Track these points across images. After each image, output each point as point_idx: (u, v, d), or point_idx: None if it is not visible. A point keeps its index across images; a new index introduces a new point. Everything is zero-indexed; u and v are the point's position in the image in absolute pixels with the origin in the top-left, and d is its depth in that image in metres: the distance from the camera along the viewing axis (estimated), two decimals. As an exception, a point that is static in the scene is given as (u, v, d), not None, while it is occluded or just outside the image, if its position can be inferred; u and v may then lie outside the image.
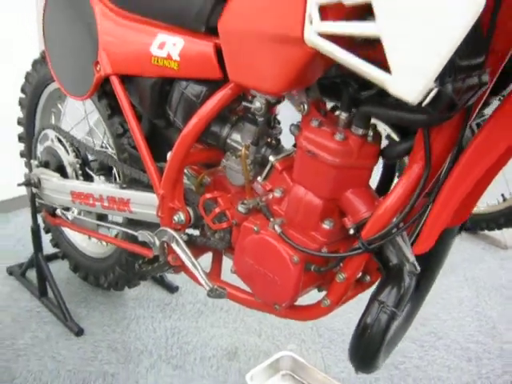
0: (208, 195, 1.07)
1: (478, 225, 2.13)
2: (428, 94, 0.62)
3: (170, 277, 1.78)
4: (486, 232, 2.15)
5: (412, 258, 0.86)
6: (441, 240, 0.90)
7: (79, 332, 1.53)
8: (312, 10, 0.73)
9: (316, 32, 0.73)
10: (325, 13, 0.73)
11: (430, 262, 0.98)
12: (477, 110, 0.76)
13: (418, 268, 0.87)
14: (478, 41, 0.67)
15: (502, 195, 2.10)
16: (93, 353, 1.47)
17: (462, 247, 2.06)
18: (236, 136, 1.04)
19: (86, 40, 1.17)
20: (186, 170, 1.16)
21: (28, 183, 1.52)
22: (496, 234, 2.15)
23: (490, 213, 2.11)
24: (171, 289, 1.75)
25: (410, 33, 0.60)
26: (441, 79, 0.62)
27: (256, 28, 0.85)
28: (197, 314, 1.65)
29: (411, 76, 0.61)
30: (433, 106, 0.65)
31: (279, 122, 1.08)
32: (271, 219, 0.96)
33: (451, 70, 0.62)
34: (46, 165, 1.54)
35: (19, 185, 1.52)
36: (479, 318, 1.70)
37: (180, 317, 1.63)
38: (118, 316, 1.63)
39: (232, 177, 1.05)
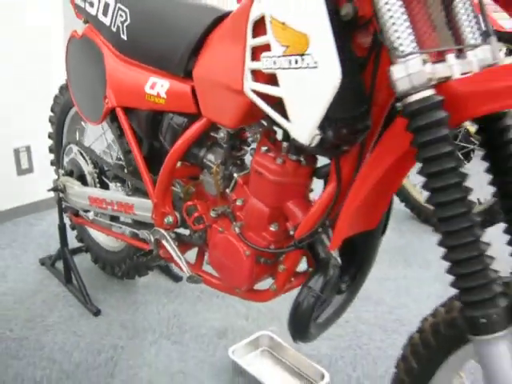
0: (189, 202, 1.36)
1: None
2: (314, 138, 0.89)
3: (176, 269, 2.08)
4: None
5: (335, 254, 1.13)
6: (364, 241, 1.17)
7: (97, 313, 1.85)
8: (247, 73, 1.01)
9: (249, 88, 1.01)
10: (255, 75, 1.00)
11: (362, 260, 1.24)
12: (372, 142, 1.02)
13: (339, 261, 1.13)
14: (361, 97, 0.93)
15: (478, 199, 2.32)
16: (107, 330, 1.78)
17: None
18: (210, 157, 1.32)
19: (97, 78, 1.48)
20: (177, 181, 1.45)
21: (55, 189, 1.84)
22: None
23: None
24: (176, 278, 2.05)
25: (298, 98, 0.87)
26: (322, 129, 0.89)
27: (216, 78, 1.13)
28: (196, 300, 1.94)
29: (301, 126, 0.89)
30: (321, 146, 0.92)
31: (249, 145, 1.35)
32: (233, 222, 1.24)
33: (331, 122, 0.89)
34: (70, 173, 1.85)
35: (48, 190, 1.85)
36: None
37: (182, 302, 1.93)
38: (130, 300, 1.94)
39: (208, 188, 1.34)
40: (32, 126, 2.34)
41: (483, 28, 0.89)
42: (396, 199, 2.55)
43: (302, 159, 1.13)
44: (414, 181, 2.53)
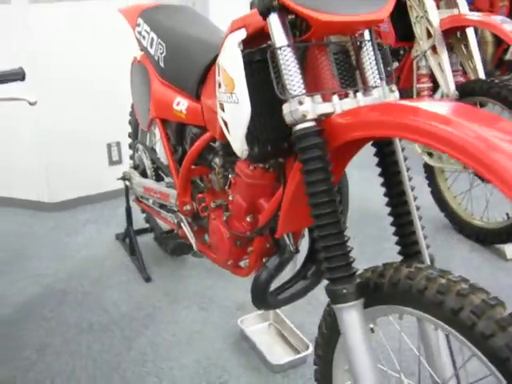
0: (200, 195, 1.74)
1: (487, 237, 2.50)
2: (243, 152, 1.22)
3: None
4: (496, 245, 2.51)
5: (289, 242, 1.44)
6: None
7: (148, 279, 2.30)
8: (217, 101, 1.36)
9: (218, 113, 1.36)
10: (220, 104, 1.35)
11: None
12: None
13: (293, 249, 1.44)
14: (279, 125, 1.21)
15: (507, 214, 2.44)
16: (152, 293, 2.22)
17: (468, 255, 2.46)
18: (216, 160, 1.68)
19: (146, 94, 1.91)
20: (198, 178, 1.83)
21: (123, 178, 2.32)
22: (502, 246, 2.49)
23: (497, 228, 2.46)
24: (217, 260, 2.45)
25: (232, 123, 1.22)
26: (251, 145, 1.22)
27: (208, 103, 1.49)
28: (229, 278, 2.31)
29: (235, 142, 1.23)
30: (255, 158, 1.25)
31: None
32: (225, 212, 1.60)
33: (257, 141, 1.21)
34: (137, 167, 2.32)
35: (117, 179, 2.33)
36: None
37: (217, 279, 2.32)
38: (177, 273, 2.36)
39: (214, 185, 1.71)
40: (122, 126, 2.86)
41: (381, 73, 1.16)
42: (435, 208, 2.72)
43: (267, 167, 1.45)
44: (456, 192, 2.68)
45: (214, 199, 1.67)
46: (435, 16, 2.43)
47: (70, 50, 2.76)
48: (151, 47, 1.84)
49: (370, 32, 1.17)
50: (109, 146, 2.95)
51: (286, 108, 1.09)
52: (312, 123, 1.08)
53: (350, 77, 1.17)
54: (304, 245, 1.49)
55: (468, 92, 2.39)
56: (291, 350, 1.89)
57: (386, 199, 1.21)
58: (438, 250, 2.51)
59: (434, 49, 2.47)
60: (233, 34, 1.24)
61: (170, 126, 1.85)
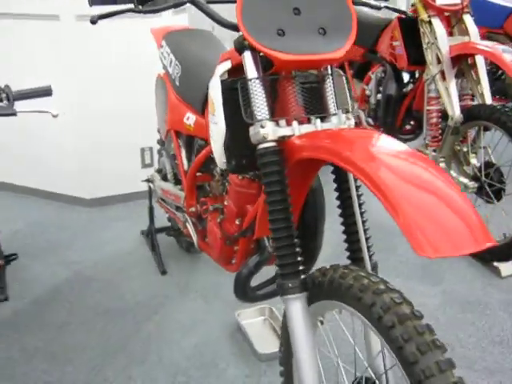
0: (202, 198, 1.97)
1: (485, 255, 2.62)
2: (223, 165, 1.45)
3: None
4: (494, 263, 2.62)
5: (268, 244, 1.65)
6: (308, 236, 1.67)
7: (163, 272, 2.56)
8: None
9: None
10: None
11: (306, 252, 1.74)
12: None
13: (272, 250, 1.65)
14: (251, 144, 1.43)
15: (504, 234, 2.55)
16: (165, 284, 2.48)
17: (463, 270, 2.59)
18: (216, 170, 1.91)
19: (164, 107, 2.16)
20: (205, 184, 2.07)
21: (148, 180, 2.59)
22: (499, 264, 2.60)
23: (494, 246, 2.58)
24: (229, 259, 2.68)
25: (213, 140, 1.44)
26: (228, 159, 1.44)
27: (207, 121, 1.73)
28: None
29: (216, 156, 1.45)
30: (230, 170, 1.47)
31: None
32: (220, 215, 1.82)
33: (232, 156, 1.43)
34: (160, 171, 2.58)
35: (142, 181, 2.61)
36: (429, 319, 2.27)
37: (226, 276, 2.52)
38: (190, 268, 2.61)
39: (214, 191, 1.94)
40: (154, 133, 3.14)
41: (339, 103, 1.36)
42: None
43: (253, 177, 1.67)
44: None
45: (213, 203, 1.90)
46: (444, 43, 2.57)
47: (108, 64, 3.06)
48: (170, 67, 2.10)
49: (331, 68, 1.37)
50: (142, 150, 3.24)
51: (251, 130, 1.30)
52: (272, 143, 1.28)
53: (313, 105, 1.38)
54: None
55: (472, 116, 2.52)
56: (279, 343, 2.09)
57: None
58: (435, 262, 2.65)
59: (442, 74, 2.61)
60: (221, 64, 1.48)
61: (182, 137, 2.10)
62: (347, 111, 1.38)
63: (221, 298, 2.38)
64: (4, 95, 1.49)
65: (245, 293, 1.70)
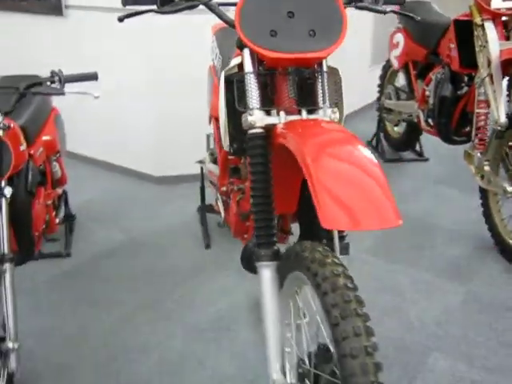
0: (231, 179, 2.19)
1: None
2: (229, 148, 1.65)
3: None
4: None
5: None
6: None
7: (207, 246, 2.82)
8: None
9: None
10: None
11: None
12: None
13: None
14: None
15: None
16: (207, 257, 2.74)
17: (495, 273, 2.59)
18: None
19: (211, 95, 2.40)
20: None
21: (200, 162, 2.86)
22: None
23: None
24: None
25: (220, 125, 1.65)
26: (231, 143, 1.64)
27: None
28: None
29: (222, 139, 1.66)
30: (233, 152, 1.67)
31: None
32: (240, 195, 2.03)
33: (234, 141, 1.63)
34: (212, 154, 2.83)
35: (195, 162, 2.87)
36: (443, 315, 2.33)
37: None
38: (232, 245, 2.84)
39: (242, 172, 2.14)
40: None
41: (325, 98, 1.51)
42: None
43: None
44: (504, 214, 2.78)
45: (238, 184, 2.11)
46: (495, 47, 2.58)
47: (182, 54, 3.36)
48: (215, 59, 2.33)
49: (321, 65, 1.52)
50: (208, 136, 3.51)
51: (243, 117, 1.50)
52: (259, 130, 1.47)
53: (303, 98, 1.54)
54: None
55: (515, 123, 2.52)
56: (292, 318, 2.27)
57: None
58: (469, 263, 2.67)
59: (491, 77, 2.62)
60: (234, 59, 1.68)
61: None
62: (336, 105, 1.53)
63: (253, 277, 2.59)
64: (57, 78, 1.81)
65: (249, 264, 1.90)
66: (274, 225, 1.48)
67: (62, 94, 1.77)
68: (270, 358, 1.44)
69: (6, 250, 1.70)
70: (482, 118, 2.74)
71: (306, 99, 1.54)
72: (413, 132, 3.76)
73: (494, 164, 2.73)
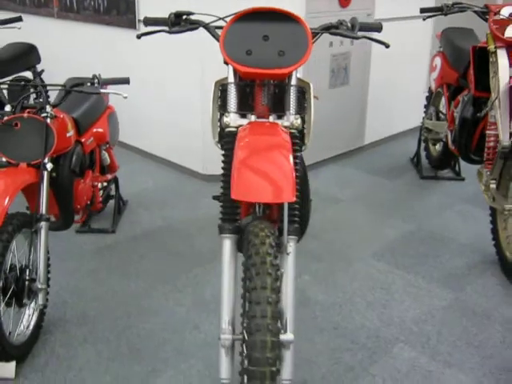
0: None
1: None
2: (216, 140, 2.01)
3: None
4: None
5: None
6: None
7: (230, 236, 3.18)
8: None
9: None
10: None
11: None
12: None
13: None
14: None
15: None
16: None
17: (491, 287, 2.74)
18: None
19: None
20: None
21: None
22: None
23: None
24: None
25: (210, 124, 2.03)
26: (219, 141, 2.00)
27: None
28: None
29: (212, 134, 2.03)
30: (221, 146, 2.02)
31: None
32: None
33: (220, 137, 1.99)
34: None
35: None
36: (424, 315, 2.52)
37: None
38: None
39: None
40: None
41: (291, 106, 1.83)
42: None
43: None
44: (510, 232, 2.90)
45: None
46: (504, 73, 2.75)
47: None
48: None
49: (290, 79, 1.84)
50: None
51: (223, 118, 1.86)
52: (233, 129, 1.83)
53: (274, 105, 1.87)
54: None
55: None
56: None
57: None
58: (467, 274, 2.84)
59: (499, 101, 2.79)
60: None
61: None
62: (299, 113, 1.85)
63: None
64: (96, 80, 2.27)
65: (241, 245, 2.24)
66: (238, 205, 1.82)
67: (98, 93, 2.23)
68: (223, 311, 1.76)
69: (43, 211, 2.17)
70: (492, 139, 2.90)
71: (278, 107, 1.88)
72: (448, 151, 3.91)
73: (502, 183, 2.86)
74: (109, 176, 3.16)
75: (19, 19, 4.08)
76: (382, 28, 2.05)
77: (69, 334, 2.35)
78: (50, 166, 2.18)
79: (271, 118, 1.83)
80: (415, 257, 3.02)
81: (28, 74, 3.96)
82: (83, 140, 2.67)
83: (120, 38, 4.25)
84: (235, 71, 1.85)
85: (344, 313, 2.54)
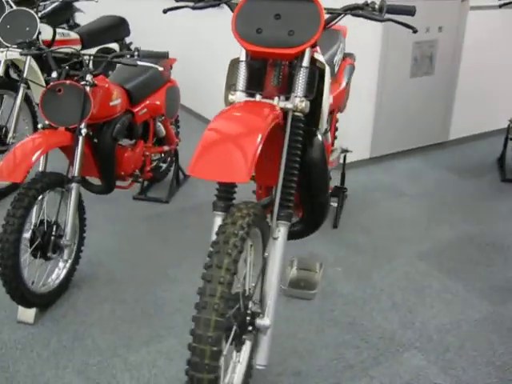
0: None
1: None
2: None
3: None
4: None
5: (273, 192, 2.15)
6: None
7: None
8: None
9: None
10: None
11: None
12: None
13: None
14: None
15: None
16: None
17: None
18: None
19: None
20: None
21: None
22: None
23: None
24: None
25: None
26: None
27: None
28: (327, 236, 2.98)
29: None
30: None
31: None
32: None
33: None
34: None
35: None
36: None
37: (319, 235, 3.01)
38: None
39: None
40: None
41: (296, 88, 1.78)
42: None
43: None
44: None
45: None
46: None
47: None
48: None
49: (300, 59, 1.78)
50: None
51: (230, 95, 1.85)
52: (238, 106, 1.82)
53: (282, 85, 1.83)
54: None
55: None
56: (306, 288, 2.53)
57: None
58: (490, 272, 2.61)
59: None
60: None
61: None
62: (305, 96, 1.79)
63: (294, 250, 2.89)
64: (136, 53, 2.35)
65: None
66: (233, 188, 1.82)
67: (135, 65, 2.31)
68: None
69: (76, 173, 2.31)
70: None
71: (281, 86, 1.84)
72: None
73: None
74: (165, 148, 3.27)
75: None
76: (414, 11, 1.90)
77: (93, 292, 2.50)
78: (84, 131, 2.30)
79: (276, 99, 1.79)
80: (463, 262, 2.81)
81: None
82: (135, 110, 2.79)
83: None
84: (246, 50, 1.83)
85: (365, 310, 2.44)
